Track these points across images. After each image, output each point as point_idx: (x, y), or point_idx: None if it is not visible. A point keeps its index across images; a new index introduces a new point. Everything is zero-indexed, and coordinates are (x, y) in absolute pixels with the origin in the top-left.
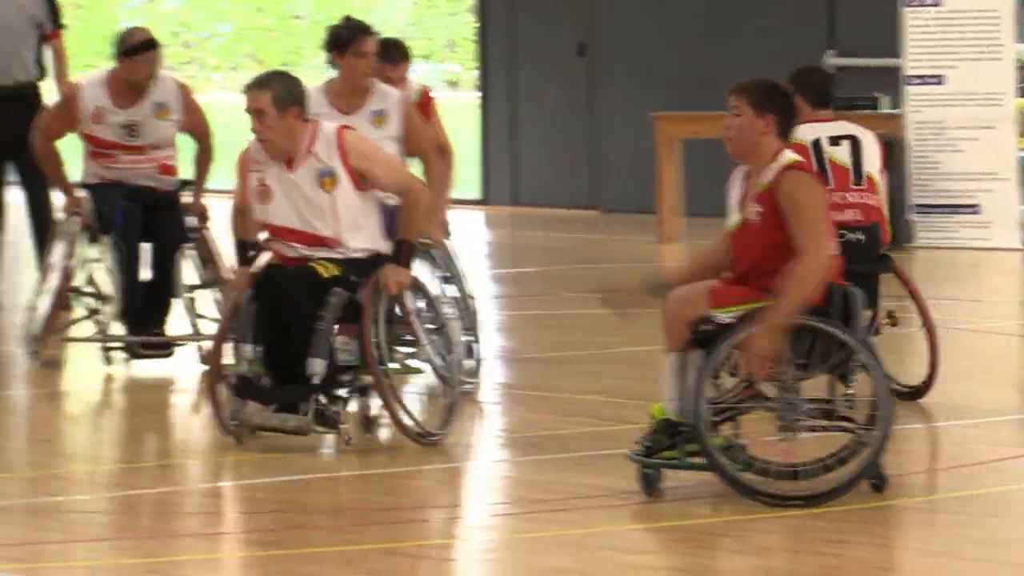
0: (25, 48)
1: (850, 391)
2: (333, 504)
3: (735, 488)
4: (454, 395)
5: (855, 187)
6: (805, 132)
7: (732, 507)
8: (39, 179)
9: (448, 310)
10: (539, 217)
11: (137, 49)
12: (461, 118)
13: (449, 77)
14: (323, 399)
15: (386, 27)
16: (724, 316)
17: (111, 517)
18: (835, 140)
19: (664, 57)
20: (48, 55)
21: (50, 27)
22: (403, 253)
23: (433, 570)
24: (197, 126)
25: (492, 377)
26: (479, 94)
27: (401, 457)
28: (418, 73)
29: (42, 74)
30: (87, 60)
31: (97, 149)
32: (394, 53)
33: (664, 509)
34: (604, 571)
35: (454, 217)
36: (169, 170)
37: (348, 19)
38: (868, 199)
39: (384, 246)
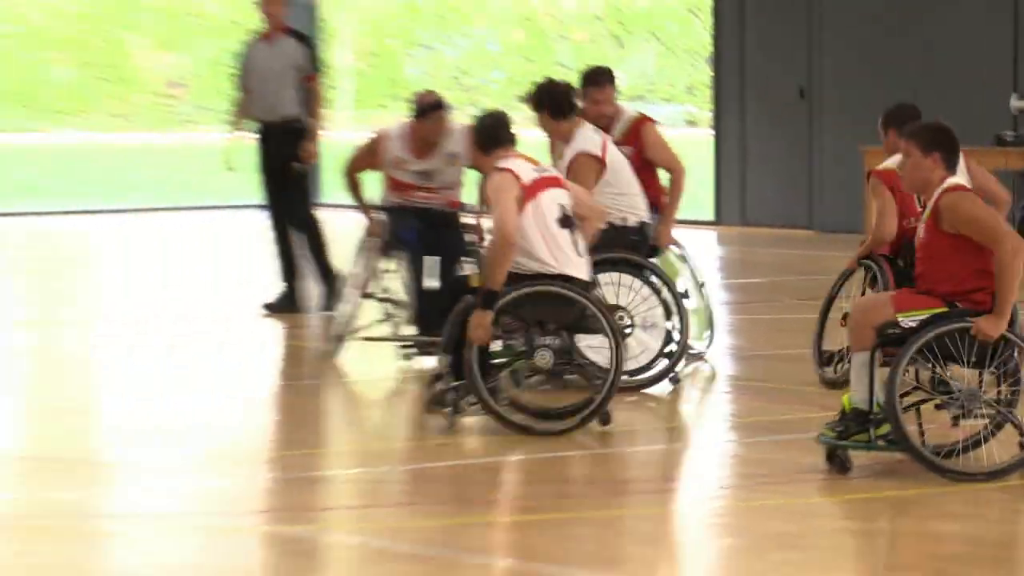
0: (286, 89)
1: (1008, 382)
2: (588, 477)
3: (925, 464)
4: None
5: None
6: (892, 161)
7: (918, 481)
8: (303, 200)
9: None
10: (764, 235)
11: (426, 111)
12: (698, 151)
13: (688, 117)
14: (440, 385)
15: (635, 75)
16: (908, 320)
17: (405, 486)
18: None
19: (871, 98)
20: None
21: (309, 71)
22: (478, 298)
23: (673, 531)
24: None
25: (723, 371)
26: (713, 131)
27: (642, 438)
28: (663, 113)
29: (304, 111)
30: (378, 101)
31: (395, 185)
32: (599, 77)
33: (861, 484)
34: (821, 535)
35: (688, 235)
36: (456, 204)
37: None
38: None
39: (540, 266)
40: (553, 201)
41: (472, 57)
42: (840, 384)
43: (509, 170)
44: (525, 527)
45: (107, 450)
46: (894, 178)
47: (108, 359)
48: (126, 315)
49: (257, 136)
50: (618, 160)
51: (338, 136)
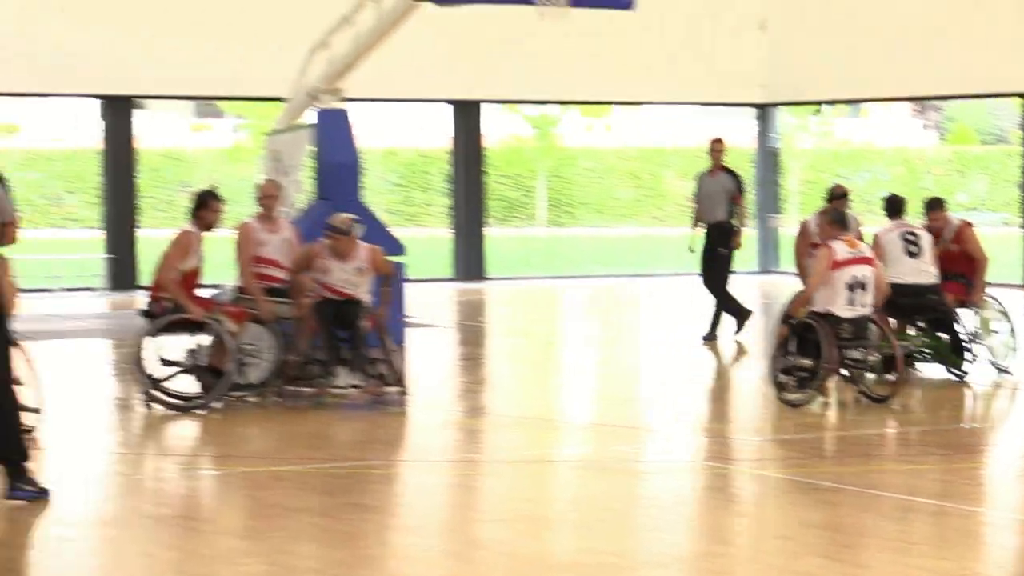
0: (721, 204)
1: None
2: (931, 441)
3: None
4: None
5: None
6: None
7: None
8: (725, 271)
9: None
10: None
11: (836, 197)
12: (1011, 240)
13: (1006, 220)
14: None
15: (972, 194)
16: None
17: (807, 444)
18: None
19: None
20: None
21: (735, 193)
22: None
23: (997, 476)
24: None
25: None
26: (1022, 229)
27: (969, 418)
28: (989, 219)
29: (731, 216)
30: (812, 209)
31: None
32: (932, 204)
33: None
34: None
35: (1005, 292)
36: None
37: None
38: None
39: (821, 308)
40: (848, 272)
41: (871, 184)
42: None
43: (830, 247)
44: (891, 472)
45: (642, 419)
46: None
47: (645, 364)
48: (653, 332)
49: (705, 231)
50: (887, 243)
51: (788, 230)
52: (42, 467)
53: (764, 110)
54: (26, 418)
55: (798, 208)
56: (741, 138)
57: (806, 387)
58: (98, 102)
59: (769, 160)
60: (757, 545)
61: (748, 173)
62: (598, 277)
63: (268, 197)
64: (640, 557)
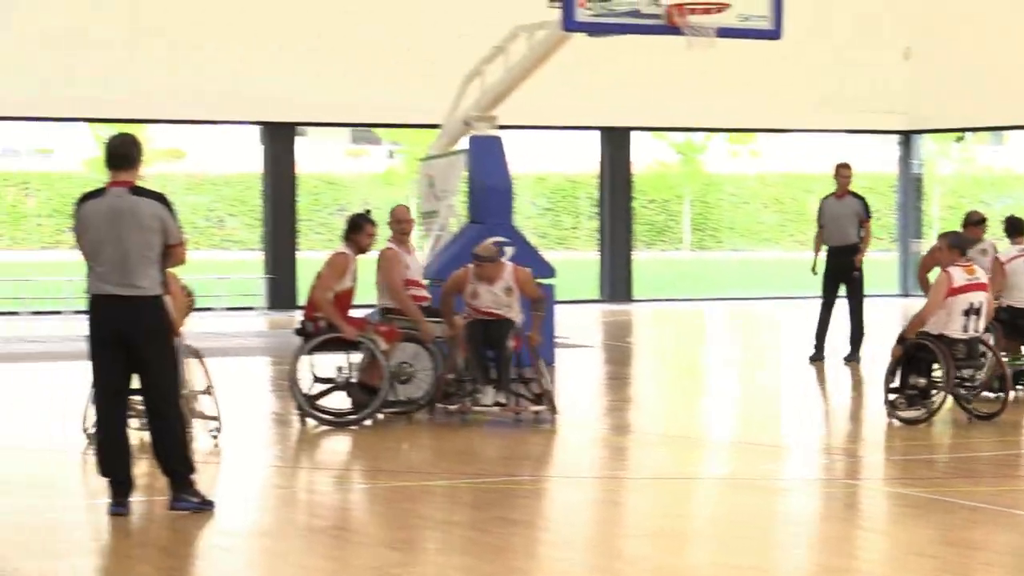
0: (849, 226)
1: None
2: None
3: None
4: None
5: None
6: None
7: None
8: (861, 293)
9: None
10: None
11: (972, 223)
12: None
13: None
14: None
15: None
16: None
17: (943, 463)
18: None
19: None
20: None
21: (863, 217)
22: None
23: None
24: None
25: None
26: None
27: None
28: None
29: (859, 240)
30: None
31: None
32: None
33: None
34: None
35: None
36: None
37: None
38: None
39: (932, 328)
40: (965, 299)
41: (1011, 209)
42: None
43: (949, 274)
44: (1021, 492)
45: (780, 438)
46: None
47: (785, 385)
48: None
49: (827, 254)
50: (1013, 271)
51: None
52: (210, 477)
53: (907, 137)
54: (208, 425)
55: (939, 233)
56: (884, 165)
57: (916, 405)
58: (258, 128)
59: (911, 186)
60: (891, 562)
61: (890, 199)
62: (741, 300)
63: (404, 221)
64: (779, 572)
